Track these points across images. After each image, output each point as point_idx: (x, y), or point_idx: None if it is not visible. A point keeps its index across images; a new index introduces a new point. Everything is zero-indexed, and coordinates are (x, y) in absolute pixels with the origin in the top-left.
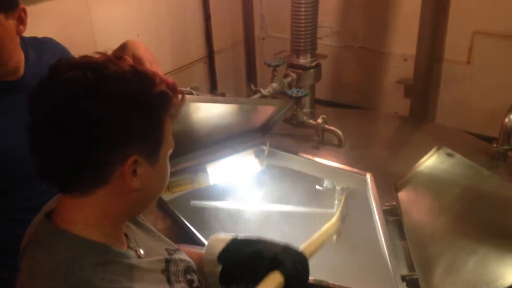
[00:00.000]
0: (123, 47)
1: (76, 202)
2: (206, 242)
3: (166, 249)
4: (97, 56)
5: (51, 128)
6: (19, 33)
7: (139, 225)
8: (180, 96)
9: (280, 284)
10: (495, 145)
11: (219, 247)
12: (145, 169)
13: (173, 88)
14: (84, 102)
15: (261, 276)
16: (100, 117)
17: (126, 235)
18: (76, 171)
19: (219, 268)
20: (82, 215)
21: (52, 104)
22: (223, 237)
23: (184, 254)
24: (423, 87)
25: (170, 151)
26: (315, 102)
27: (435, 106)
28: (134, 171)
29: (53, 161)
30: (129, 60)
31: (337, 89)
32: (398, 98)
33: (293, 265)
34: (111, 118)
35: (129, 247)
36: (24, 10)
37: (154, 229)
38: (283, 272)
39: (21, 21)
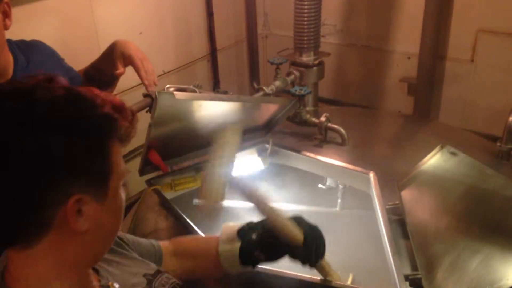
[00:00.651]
0: (112, 48)
1: (23, 255)
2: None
3: (145, 275)
4: (26, 80)
5: None
6: (6, 27)
7: (112, 252)
8: (130, 115)
9: (299, 236)
10: (499, 144)
11: (237, 226)
12: (92, 207)
13: (119, 108)
14: (13, 134)
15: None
16: (32, 151)
17: (96, 271)
18: (12, 217)
19: (238, 244)
20: (34, 271)
21: None
22: (236, 223)
23: (167, 273)
24: (427, 86)
25: (122, 181)
26: (318, 100)
27: (439, 104)
28: (79, 211)
29: None
30: (63, 81)
31: (340, 88)
32: (402, 97)
33: (309, 224)
34: (45, 150)
35: (101, 286)
36: (8, 4)
37: (130, 252)
38: (303, 226)
39: (6, 15)
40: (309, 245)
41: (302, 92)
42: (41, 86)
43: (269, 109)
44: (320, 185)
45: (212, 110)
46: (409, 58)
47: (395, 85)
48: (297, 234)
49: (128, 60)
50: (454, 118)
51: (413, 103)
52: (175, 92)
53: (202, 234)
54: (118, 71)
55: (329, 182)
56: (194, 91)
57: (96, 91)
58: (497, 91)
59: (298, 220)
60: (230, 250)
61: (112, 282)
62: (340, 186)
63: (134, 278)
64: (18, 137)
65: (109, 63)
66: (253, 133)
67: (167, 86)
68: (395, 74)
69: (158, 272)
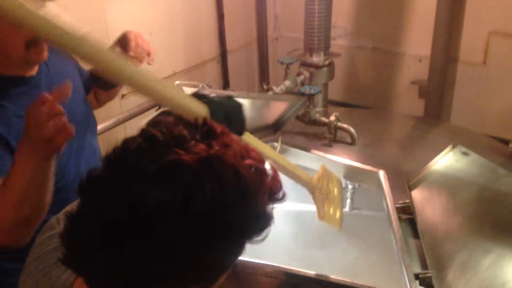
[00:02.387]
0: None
1: None
2: None
3: None
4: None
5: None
6: None
7: None
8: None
9: (202, 110)
10: (511, 146)
11: None
12: None
13: (274, 192)
14: (162, 222)
15: None
16: (174, 246)
17: None
18: None
19: None
20: None
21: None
22: None
23: None
24: (438, 88)
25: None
26: (328, 103)
27: (450, 107)
28: None
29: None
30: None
31: (350, 90)
32: (413, 100)
33: (214, 98)
34: (208, 251)
35: None
36: None
37: None
38: (205, 102)
39: None
40: (217, 117)
41: (312, 91)
42: (211, 168)
43: (278, 108)
44: None
45: None
46: (420, 60)
47: (406, 87)
48: (199, 109)
49: (123, 40)
50: (466, 121)
51: (424, 106)
52: (183, 88)
53: None
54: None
55: None
56: (203, 88)
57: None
58: (510, 94)
59: (199, 97)
60: None
61: None
62: (350, 186)
63: None
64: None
65: None
66: (262, 131)
67: (177, 82)
68: (406, 77)
69: None
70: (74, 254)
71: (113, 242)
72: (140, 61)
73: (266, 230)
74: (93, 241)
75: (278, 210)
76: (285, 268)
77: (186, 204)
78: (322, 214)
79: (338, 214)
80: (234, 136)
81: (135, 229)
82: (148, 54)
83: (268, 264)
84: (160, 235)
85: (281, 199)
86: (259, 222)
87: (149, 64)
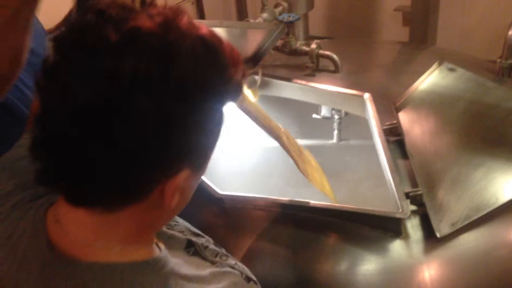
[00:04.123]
0: None
1: (97, 219)
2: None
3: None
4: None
5: (83, 129)
6: None
7: None
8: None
9: None
10: (499, 60)
11: None
12: (187, 181)
13: (244, 74)
14: (143, 94)
15: None
16: (162, 120)
17: None
18: (109, 183)
19: None
20: (105, 235)
21: (92, 92)
22: None
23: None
24: (422, 13)
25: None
26: (309, 37)
27: (435, 32)
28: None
29: (88, 164)
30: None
31: (331, 23)
32: (396, 28)
33: None
34: (176, 123)
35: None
36: None
37: None
38: None
39: None
40: None
41: (291, 18)
42: (177, 30)
43: (256, 38)
44: (314, 115)
45: None
46: None
47: (390, 15)
48: None
49: None
50: (451, 45)
51: (409, 33)
52: None
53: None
54: None
55: (323, 111)
56: None
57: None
58: (495, 13)
59: None
60: None
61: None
62: (336, 117)
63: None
64: (148, 100)
65: None
66: None
67: None
68: (389, 4)
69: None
70: (50, 165)
71: (93, 131)
72: None
73: (240, 97)
74: (71, 139)
75: (262, 147)
76: (277, 199)
77: (164, 69)
78: (312, 179)
79: (327, 184)
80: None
81: (115, 108)
82: None
83: (258, 197)
84: (145, 110)
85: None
86: (232, 86)
87: None
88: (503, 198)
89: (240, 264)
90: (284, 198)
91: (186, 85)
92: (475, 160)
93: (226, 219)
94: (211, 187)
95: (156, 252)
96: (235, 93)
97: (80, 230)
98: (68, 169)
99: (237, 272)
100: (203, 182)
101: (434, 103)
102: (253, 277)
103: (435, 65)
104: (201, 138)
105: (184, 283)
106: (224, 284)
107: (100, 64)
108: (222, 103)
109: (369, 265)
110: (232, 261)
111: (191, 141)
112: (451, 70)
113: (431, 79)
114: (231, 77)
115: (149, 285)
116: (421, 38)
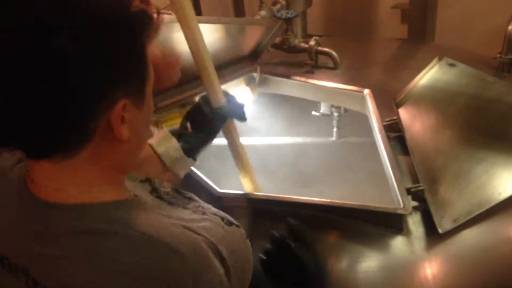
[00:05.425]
0: None
1: (59, 166)
2: (205, 177)
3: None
4: None
5: (7, 72)
6: None
7: None
8: (156, 13)
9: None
10: (499, 56)
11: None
12: (132, 113)
13: (147, 2)
14: (55, 35)
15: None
16: (79, 53)
17: None
18: (58, 127)
19: (173, 140)
20: (73, 180)
21: (6, 40)
22: None
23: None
24: (421, 9)
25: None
26: (308, 36)
27: (434, 29)
28: (122, 118)
29: (23, 120)
30: None
31: (330, 21)
32: (395, 25)
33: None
34: (92, 51)
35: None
36: None
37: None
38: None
39: None
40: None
41: (289, 15)
42: None
43: (255, 35)
44: (314, 112)
45: None
46: None
47: (388, 13)
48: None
49: None
50: (450, 42)
51: (408, 30)
52: None
53: (197, 171)
54: None
55: (323, 108)
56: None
57: None
58: (494, 9)
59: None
60: (167, 146)
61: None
62: (335, 114)
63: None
64: (61, 38)
65: None
66: (240, 62)
67: None
68: (387, 1)
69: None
70: None
71: (21, 77)
72: None
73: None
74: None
75: (263, 144)
76: (276, 197)
77: (66, 8)
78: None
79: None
80: None
81: (33, 51)
82: None
83: (258, 195)
84: (59, 48)
85: None
86: (137, 13)
87: None
88: (505, 193)
89: (222, 212)
90: (284, 196)
91: (92, 20)
92: (476, 155)
93: None
94: (211, 186)
95: (129, 194)
96: (142, 21)
97: (50, 181)
98: (10, 127)
99: (217, 217)
100: (202, 180)
101: (435, 99)
102: (235, 222)
103: (435, 60)
104: (123, 66)
105: (172, 221)
106: (209, 223)
107: (11, 15)
108: (132, 32)
109: (371, 261)
110: (214, 209)
111: (113, 69)
112: (451, 65)
113: (431, 75)
114: (129, 4)
115: (132, 219)
116: (420, 35)
